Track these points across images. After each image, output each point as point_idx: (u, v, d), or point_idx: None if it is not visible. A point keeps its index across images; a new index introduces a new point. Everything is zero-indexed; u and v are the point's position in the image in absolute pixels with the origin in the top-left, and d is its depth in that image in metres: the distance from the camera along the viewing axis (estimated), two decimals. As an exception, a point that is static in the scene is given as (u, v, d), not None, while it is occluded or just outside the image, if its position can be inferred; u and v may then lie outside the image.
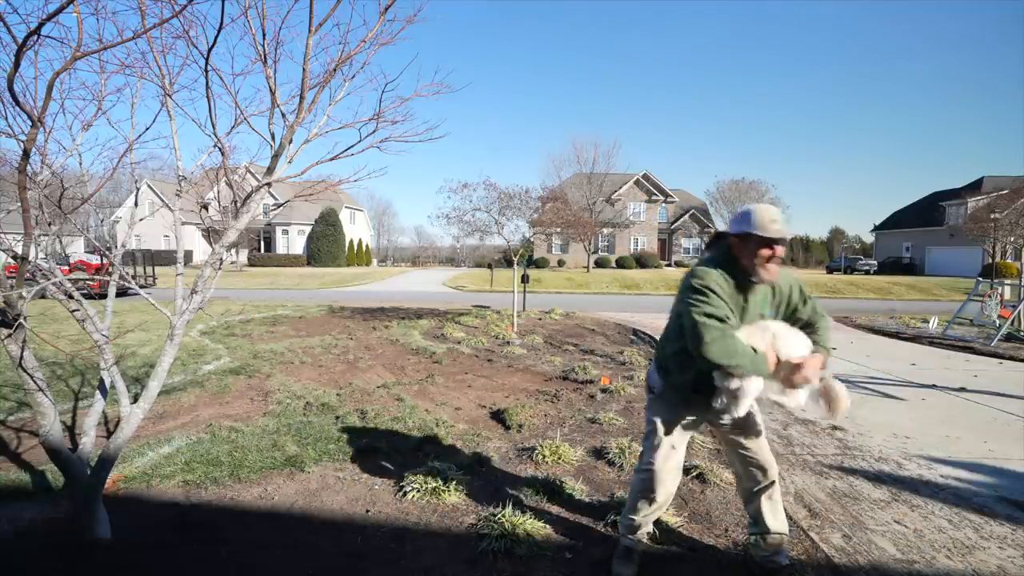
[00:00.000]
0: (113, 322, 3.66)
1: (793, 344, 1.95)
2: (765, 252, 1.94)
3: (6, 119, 2.33)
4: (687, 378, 2.14)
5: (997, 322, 9.82)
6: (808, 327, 2.11)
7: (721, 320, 1.88)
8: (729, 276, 2.00)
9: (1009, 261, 28.08)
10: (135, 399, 2.65)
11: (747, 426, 2.26)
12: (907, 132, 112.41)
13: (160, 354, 2.57)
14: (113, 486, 3.09)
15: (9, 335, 2.25)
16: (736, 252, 2.01)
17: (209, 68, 2.40)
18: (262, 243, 41.74)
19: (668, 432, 2.26)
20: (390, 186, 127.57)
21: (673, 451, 2.26)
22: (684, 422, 2.28)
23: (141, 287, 3.33)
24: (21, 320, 2.23)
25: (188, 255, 38.60)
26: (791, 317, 2.15)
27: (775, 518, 2.33)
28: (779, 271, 2.02)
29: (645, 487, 2.28)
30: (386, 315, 11.93)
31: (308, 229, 40.59)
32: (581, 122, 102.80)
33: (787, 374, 1.92)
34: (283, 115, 2.51)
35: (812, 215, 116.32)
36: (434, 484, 3.07)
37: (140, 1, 2.28)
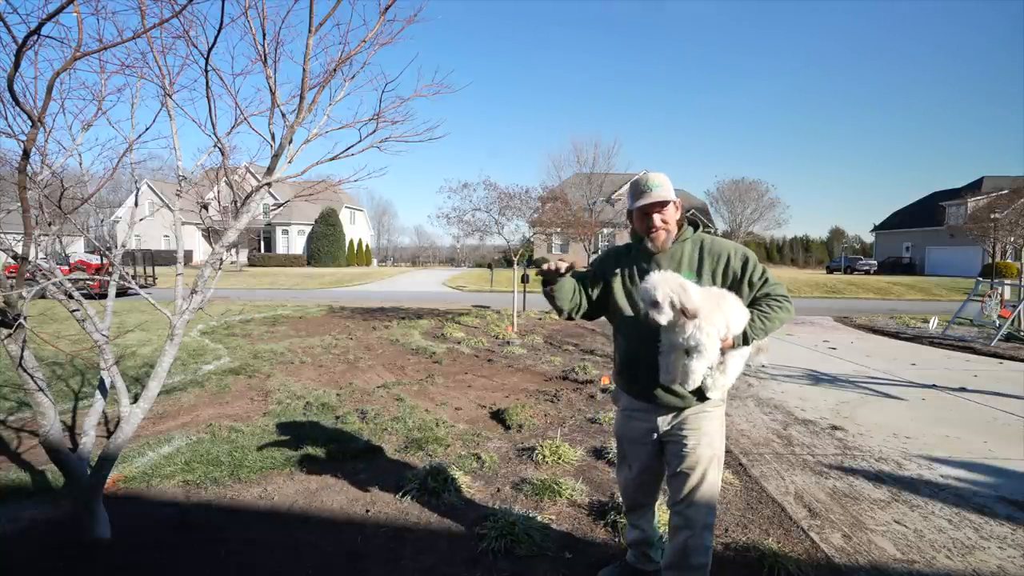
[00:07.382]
0: (113, 322, 3.67)
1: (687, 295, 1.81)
2: (643, 222, 2.01)
3: (6, 119, 2.33)
4: None
5: (997, 322, 9.82)
6: (753, 304, 1.97)
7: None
8: (636, 247, 2.11)
9: (1009, 261, 28.06)
10: (135, 399, 2.65)
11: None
12: (907, 132, 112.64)
13: (160, 354, 2.57)
14: (113, 486, 3.10)
15: (9, 335, 2.25)
16: (634, 225, 2.11)
17: (209, 68, 2.40)
18: (262, 243, 41.74)
19: None
20: (390, 186, 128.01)
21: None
22: None
23: (141, 287, 3.33)
24: (21, 320, 2.23)
25: (188, 255, 38.57)
26: (736, 288, 1.98)
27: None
28: (713, 242, 2.02)
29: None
30: (386, 315, 11.93)
31: (308, 229, 40.59)
32: (581, 122, 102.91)
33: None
34: (283, 115, 2.51)
35: (812, 215, 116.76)
36: (434, 484, 3.07)
37: (140, 1, 2.28)
